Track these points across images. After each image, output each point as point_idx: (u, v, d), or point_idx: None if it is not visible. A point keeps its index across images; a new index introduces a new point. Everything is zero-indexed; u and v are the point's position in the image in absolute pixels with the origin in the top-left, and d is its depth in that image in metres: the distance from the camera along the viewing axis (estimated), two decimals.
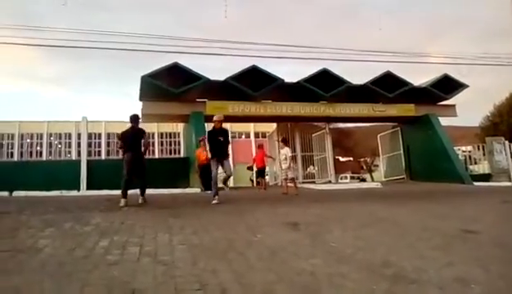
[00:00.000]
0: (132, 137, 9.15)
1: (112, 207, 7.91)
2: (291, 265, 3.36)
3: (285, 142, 13.62)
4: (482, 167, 22.91)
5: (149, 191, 9.20)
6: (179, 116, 18.42)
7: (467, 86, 20.00)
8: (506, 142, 21.45)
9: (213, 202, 8.72)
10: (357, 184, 22.61)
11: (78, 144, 24.98)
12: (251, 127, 40.83)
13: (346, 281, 2.92)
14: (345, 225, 5.50)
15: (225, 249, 3.98)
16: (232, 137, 41.42)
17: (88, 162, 16.03)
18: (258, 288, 2.75)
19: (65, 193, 12.45)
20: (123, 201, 8.34)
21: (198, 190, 13.94)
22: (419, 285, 2.84)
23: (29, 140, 44.01)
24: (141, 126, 9.68)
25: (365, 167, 54.73)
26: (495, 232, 5.12)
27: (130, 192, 8.67)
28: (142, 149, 9.23)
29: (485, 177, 20.11)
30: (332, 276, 3.03)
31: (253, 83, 17.02)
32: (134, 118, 9.40)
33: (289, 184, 12.48)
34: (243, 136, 40.90)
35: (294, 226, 5.32)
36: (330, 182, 20.47)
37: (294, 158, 13.18)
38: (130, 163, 8.83)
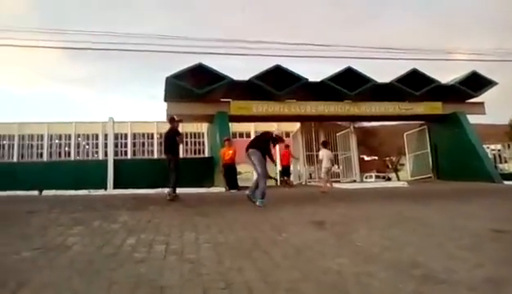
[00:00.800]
0: (167, 139, 9.79)
1: (138, 205, 8.01)
2: (317, 264, 3.34)
3: (325, 144, 13.91)
4: None
5: None
6: (204, 116, 18.55)
7: (496, 83, 19.49)
8: None
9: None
10: (382, 184, 22.32)
11: (105, 145, 25.40)
12: (275, 127, 40.84)
13: (373, 280, 2.88)
14: (371, 225, 5.43)
15: (250, 248, 3.98)
16: None
17: (115, 161, 16.32)
18: (283, 287, 2.74)
19: (92, 192, 12.68)
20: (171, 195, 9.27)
21: (223, 190, 14.01)
22: (449, 285, 2.78)
23: (57, 141, 45.12)
24: (167, 126, 10.02)
25: (390, 166, 54.07)
26: None
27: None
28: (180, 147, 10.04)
29: None
30: (359, 275, 3.00)
31: (277, 83, 17.00)
32: (169, 120, 10.14)
33: (319, 184, 12.83)
34: None
35: (319, 225, 5.28)
36: (354, 181, 20.28)
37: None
38: (167, 163, 9.53)
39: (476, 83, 19.18)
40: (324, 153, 13.09)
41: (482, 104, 20.21)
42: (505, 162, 23.97)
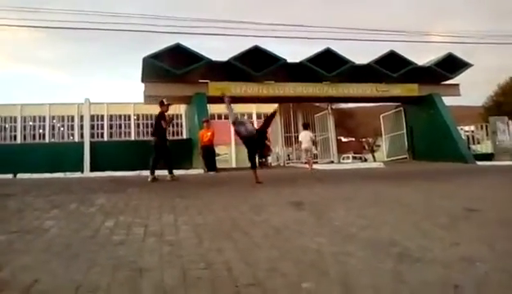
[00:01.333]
0: (155, 122, 10.40)
1: (116, 188, 7.93)
2: (296, 244, 3.37)
3: (306, 127, 14.15)
4: (485, 147, 22.90)
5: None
6: (181, 97, 18.34)
7: (471, 65, 19.84)
8: (510, 122, 21.42)
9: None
10: (359, 165, 22.64)
11: (81, 127, 24.99)
12: (253, 108, 40.72)
13: (351, 259, 2.92)
14: (349, 205, 5.51)
15: (229, 229, 3.98)
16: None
17: (91, 143, 16.08)
18: (263, 266, 2.75)
19: (68, 174, 12.49)
20: (150, 177, 9.52)
21: (201, 171, 13.98)
22: (424, 264, 2.83)
23: (31, 123, 44.08)
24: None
25: (367, 147, 54.83)
26: (500, 210, 5.11)
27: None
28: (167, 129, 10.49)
29: (488, 157, 20.10)
30: (337, 254, 3.04)
31: (256, 64, 16.92)
32: (159, 103, 10.52)
33: (305, 165, 13.52)
34: (245, 117, 40.79)
35: (298, 206, 5.32)
36: (332, 162, 20.49)
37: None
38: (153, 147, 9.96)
39: (452, 65, 19.51)
40: (303, 135, 13.28)
41: (457, 85, 20.59)
42: (478, 143, 24.56)
